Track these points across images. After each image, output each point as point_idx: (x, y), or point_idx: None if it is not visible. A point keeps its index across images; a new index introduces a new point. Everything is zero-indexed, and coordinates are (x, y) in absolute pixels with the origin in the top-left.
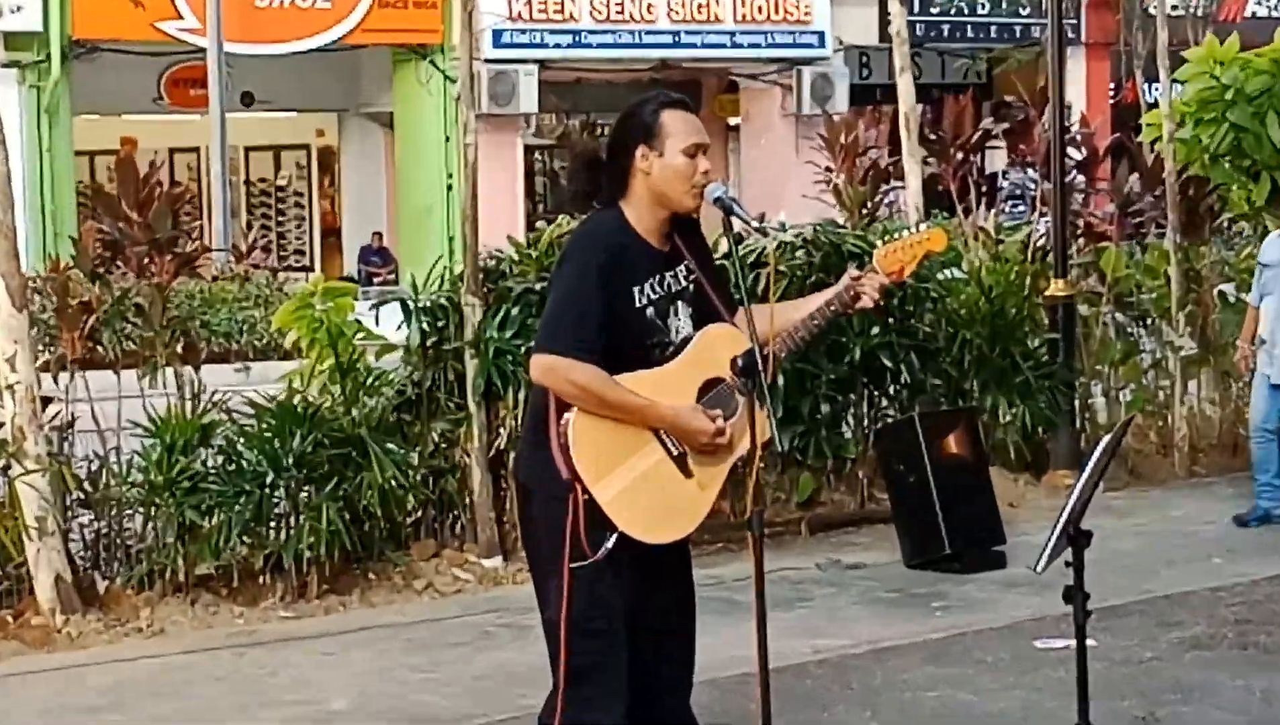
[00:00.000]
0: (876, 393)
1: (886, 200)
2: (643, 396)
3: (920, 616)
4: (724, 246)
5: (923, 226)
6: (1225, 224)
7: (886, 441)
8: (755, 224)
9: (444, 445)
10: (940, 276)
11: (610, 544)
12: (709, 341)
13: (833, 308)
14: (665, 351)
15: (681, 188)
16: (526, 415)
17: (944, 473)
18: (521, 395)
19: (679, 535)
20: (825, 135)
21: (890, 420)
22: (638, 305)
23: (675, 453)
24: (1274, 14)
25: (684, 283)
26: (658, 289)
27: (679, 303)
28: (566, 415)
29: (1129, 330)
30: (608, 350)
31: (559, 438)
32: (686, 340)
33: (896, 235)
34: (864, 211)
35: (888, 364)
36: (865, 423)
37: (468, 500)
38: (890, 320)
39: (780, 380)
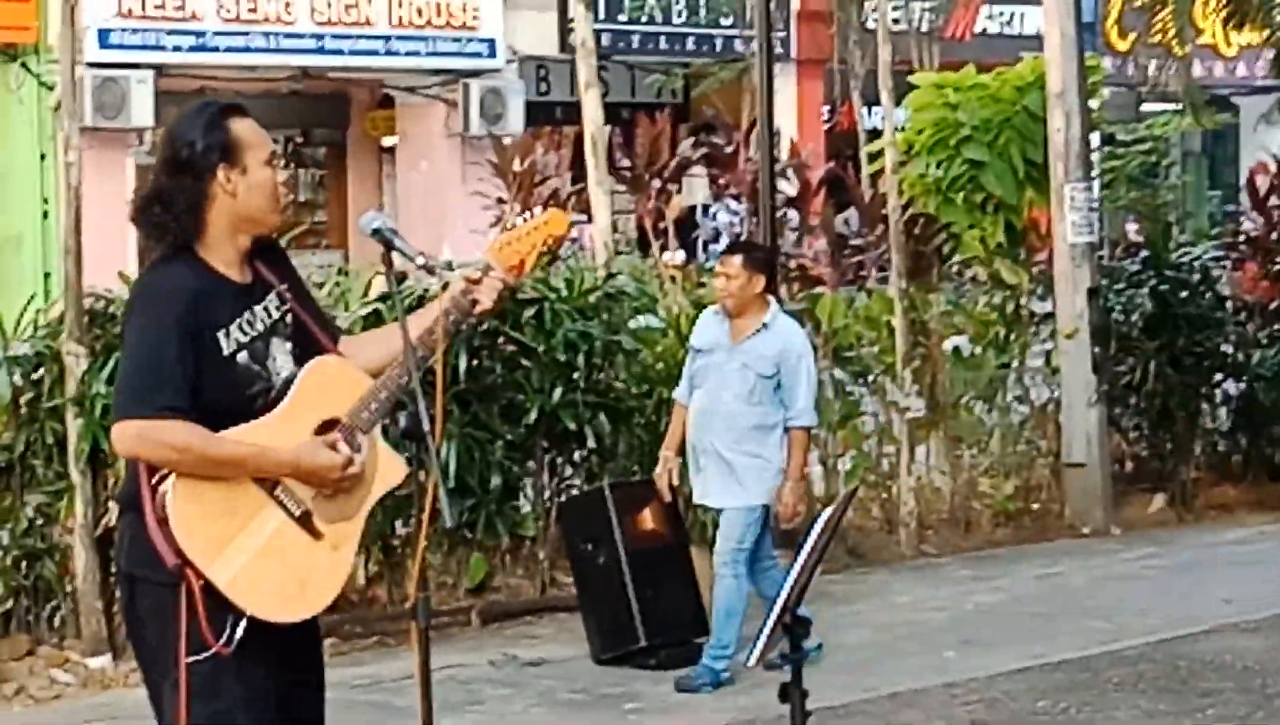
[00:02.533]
0: (560, 459)
1: (570, 236)
2: (254, 444)
3: (612, 720)
4: (379, 286)
5: (537, 211)
6: (956, 269)
7: (571, 517)
8: (420, 260)
9: (41, 521)
10: (633, 324)
11: (240, 632)
12: (317, 378)
13: (451, 317)
14: (269, 397)
15: (270, 205)
16: (120, 493)
17: (638, 553)
18: None
19: (320, 607)
20: (496, 160)
21: (576, 492)
22: (226, 352)
23: (297, 513)
24: (1005, 30)
25: (275, 315)
26: (247, 329)
27: (274, 339)
28: (162, 487)
29: (848, 388)
30: (203, 411)
31: (155, 513)
32: (290, 381)
33: (510, 237)
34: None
35: (572, 426)
36: (546, 495)
37: (69, 587)
38: (575, 376)
39: (446, 446)
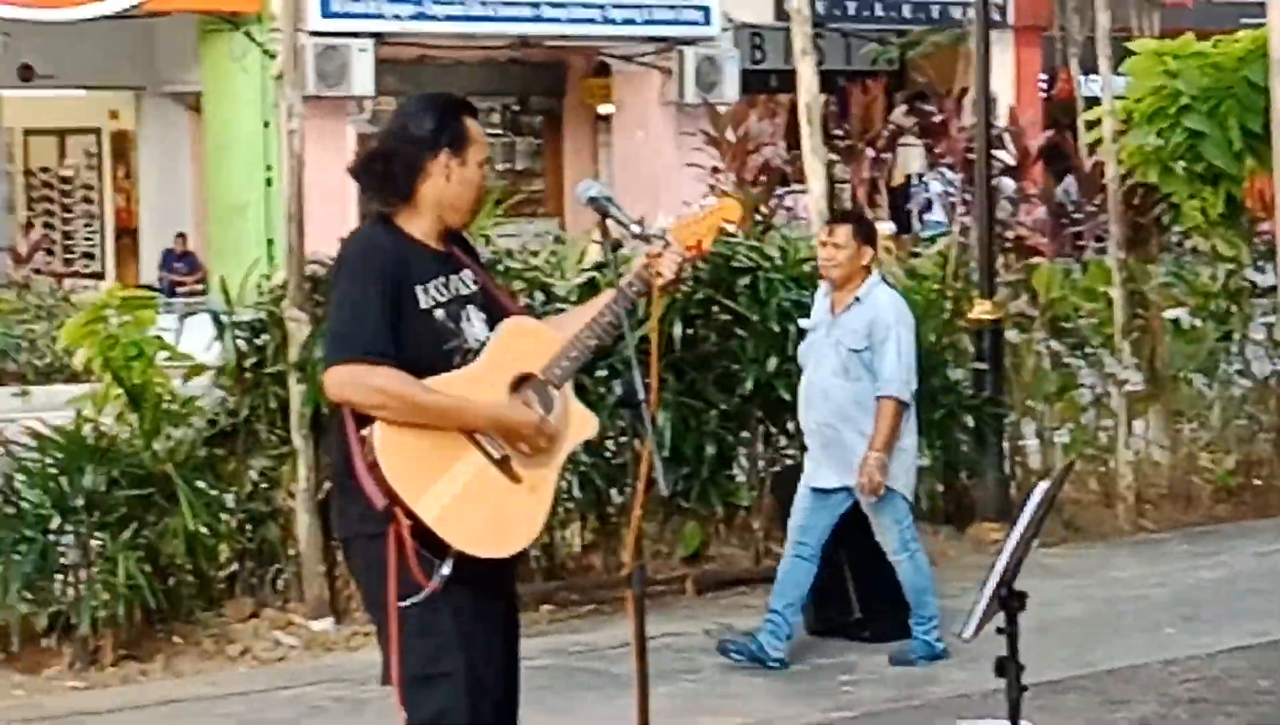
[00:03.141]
0: (774, 430)
1: (784, 205)
2: (457, 396)
3: (826, 692)
4: (594, 253)
5: (711, 200)
6: (1176, 240)
7: (786, 487)
8: (636, 228)
9: (264, 486)
10: None
11: (446, 570)
12: (511, 336)
13: (634, 288)
14: (465, 357)
15: (472, 200)
16: (329, 461)
17: (853, 524)
18: None
19: (522, 545)
20: (711, 128)
21: (790, 462)
22: (424, 306)
23: (497, 457)
24: None
25: (471, 288)
26: (444, 291)
27: (469, 307)
28: (371, 431)
29: (1065, 360)
30: (403, 363)
31: (364, 458)
32: (484, 345)
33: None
34: (758, 218)
35: (786, 397)
36: (761, 465)
37: (292, 551)
38: (789, 345)
39: (661, 415)
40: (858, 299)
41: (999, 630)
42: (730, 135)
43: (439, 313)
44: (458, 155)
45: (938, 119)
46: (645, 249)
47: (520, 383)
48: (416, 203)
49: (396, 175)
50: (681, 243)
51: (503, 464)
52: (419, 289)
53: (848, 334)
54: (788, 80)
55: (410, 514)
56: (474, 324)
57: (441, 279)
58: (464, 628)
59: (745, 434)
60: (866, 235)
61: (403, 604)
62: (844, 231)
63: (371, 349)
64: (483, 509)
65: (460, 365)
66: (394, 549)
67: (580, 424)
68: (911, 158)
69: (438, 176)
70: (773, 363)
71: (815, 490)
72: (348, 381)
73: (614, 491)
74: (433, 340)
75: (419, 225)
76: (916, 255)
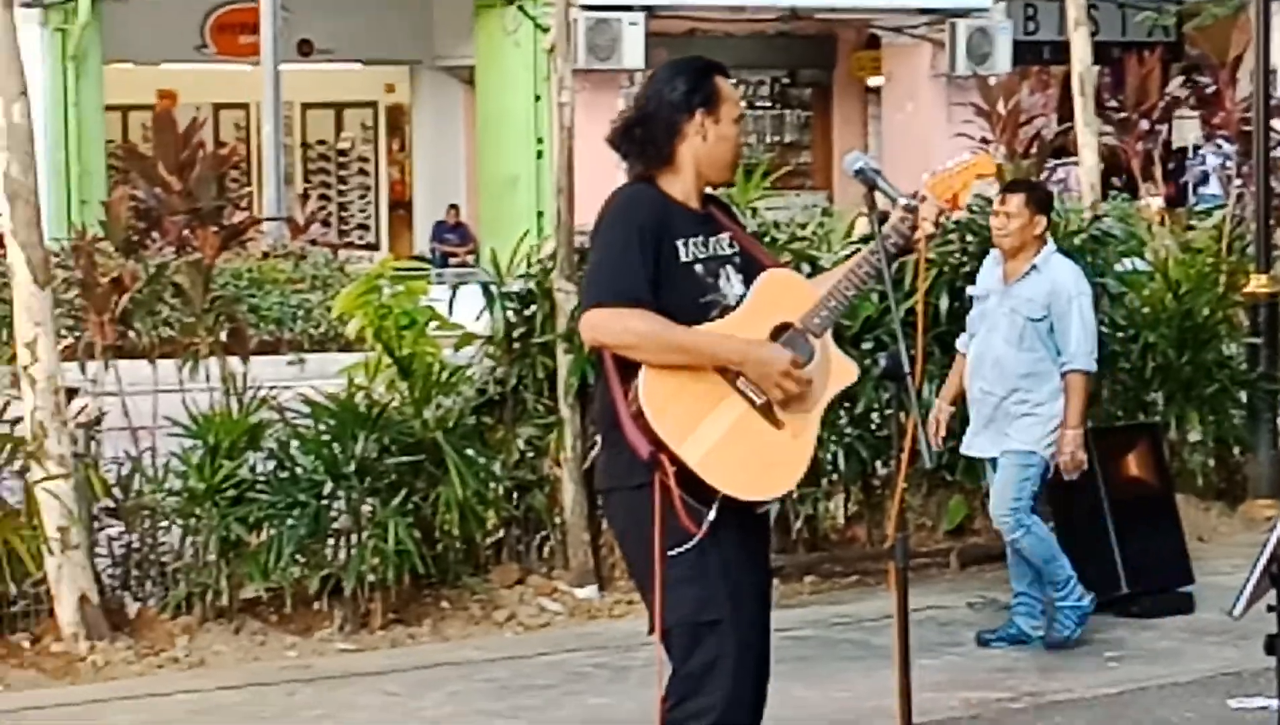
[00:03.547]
0: None
1: (1055, 177)
2: (710, 334)
3: (1091, 667)
4: (862, 227)
5: (965, 155)
6: None
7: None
8: (903, 200)
9: (531, 454)
10: (1119, 268)
11: (713, 515)
12: (770, 287)
13: (891, 241)
14: (723, 314)
15: (729, 159)
16: (595, 413)
17: (1122, 499)
18: None
19: (784, 489)
20: (982, 100)
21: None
22: (684, 259)
23: (759, 402)
24: None
25: (729, 250)
26: (703, 248)
27: (728, 267)
28: (634, 382)
29: None
30: (661, 312)
31: (629, 408)
32: (740, 302)
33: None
34: None
35: None
36: None
37: (558, 519)
38: None
39: (927, 387)
40: (1035, 267)
41: (1269, 608)
42: (1001, 107)
43: (698, 267)
44: (711, 114)
45: (1211, 89)
46: (901, 201)
47: (779, 332)
48: (676, 164)
49: (655, 139)
50: (938, 197)
51: (765, 409)
52: (679, 243)
53: (1024, 303)
54: (1061, 51)
55: (675, 459)
56: (732, 282)
57: (701, 237)
58: (732, 576)
59: None
60: (1040, 204)
61: (672, 553)
62: (1017, 200)
63: (628, 294)
64: (745, 453)
65: (718, 318)
66: (660, 497)
67: (840, 372)
68: (1187, 130)
69: (694, 136)
70: None
71: (992, 464)
72: (600, 323)
73: (878, 463)
74: (692, 292)
75: (679, 186)
76: (1191, 228)
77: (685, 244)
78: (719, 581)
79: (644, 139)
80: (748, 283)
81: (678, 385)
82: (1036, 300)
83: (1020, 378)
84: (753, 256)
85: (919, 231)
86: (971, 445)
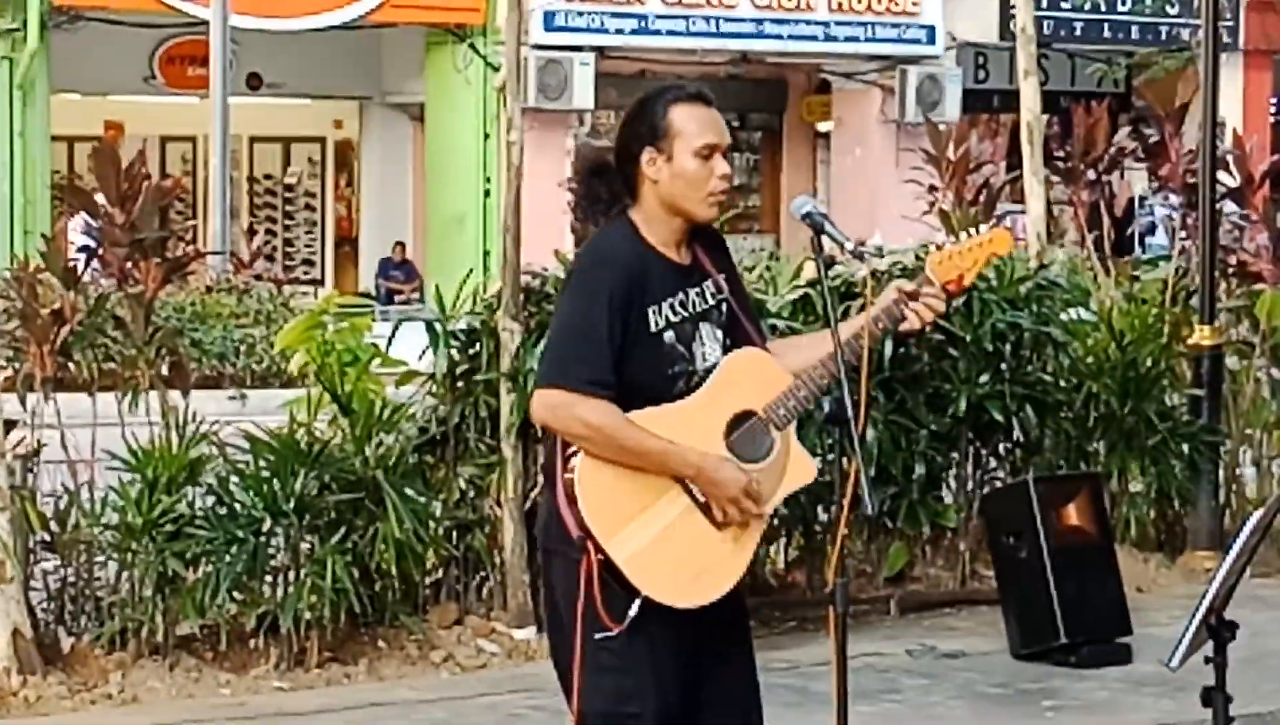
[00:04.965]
0: (984, 451)
1: (1002, 225)
2: (663, 439)
3: (1029, 716)
4: (809, 271)
5: (983, 228)
6: None
7: (994, 509)
8: (850, 246)
9: (472, 493)
10: (1064, 317)
11: (634, 611)
12: (736, 368)
13: (880, 325)
14: (690, 382)
15: (694, 196)
16: (543, 464)
17: (1061, 548)
18: None
19: (714, 597)
20: (931, 147)
21: (999, 484)
22: (654, 329)
23: (701, 500)
24: None
25: (710, 302)
26: (678, 310)
27: (704, 326)
28: (573, 461)
29: None
30: (624, 385)
31: (564, 488)
32: (712, 369)
33: (959, 238)
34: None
35: (998, 418)
36: (969, 486)
37: (497, 559)
38: (1003, 367)
39: (870, 433)
40: None
41: (1207, 660)
42: (950, 154)
43: (669, 335)
44: (661, 151)
45: (1155, 140)
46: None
47: (741, 419)
48: (643, 208)
49: (612, 187)
50: (941, 278)
51: (706, 508)
52: (652, 310)
53: None
54: (1010, 99)
55: (602, 551)
56: (706, 345)
57: (679, 296)
58: (658, 665)
59: (955, 454)
60: None
61: (597, 637)
62: None
63: (588, 377)
64: (678, 557)
65: (685, 390)
66: (585, 582)
67: (797, 471)
68: (1137, 181)
69: (650, 176)
70: (985, 383)
71: None
72: (555, 409)
73: (819, 509)
74: (659, 365)
75: (656, 232)
76: (1136, 279)
77: (659, 309)
78: (645, 672)
79: (598, 189)
80: (727, 335)
81: (618, 475)
82: None
83: None
84: (736, 309)
85: (907, 325)
86: None
